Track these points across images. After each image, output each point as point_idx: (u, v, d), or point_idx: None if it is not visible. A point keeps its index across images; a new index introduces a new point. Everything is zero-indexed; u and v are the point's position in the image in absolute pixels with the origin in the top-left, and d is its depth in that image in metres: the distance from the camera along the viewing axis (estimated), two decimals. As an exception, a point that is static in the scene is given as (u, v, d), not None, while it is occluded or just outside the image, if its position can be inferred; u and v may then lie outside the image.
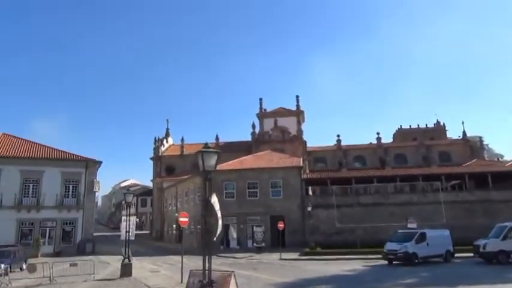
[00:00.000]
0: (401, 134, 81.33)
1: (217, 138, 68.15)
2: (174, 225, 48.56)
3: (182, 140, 69.23)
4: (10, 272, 19.52)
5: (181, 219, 17.26)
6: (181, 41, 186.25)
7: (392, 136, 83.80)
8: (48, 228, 37.06)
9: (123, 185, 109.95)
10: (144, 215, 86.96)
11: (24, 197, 36.57)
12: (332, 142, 67.21)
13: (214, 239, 9.21)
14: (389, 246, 24.16)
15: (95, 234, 42.87)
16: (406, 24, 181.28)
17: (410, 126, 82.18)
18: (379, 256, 24.92)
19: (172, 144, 72.77)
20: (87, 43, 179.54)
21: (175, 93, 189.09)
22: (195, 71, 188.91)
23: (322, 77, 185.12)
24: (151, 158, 68.06)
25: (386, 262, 23.91)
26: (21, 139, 41.22)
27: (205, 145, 10.31)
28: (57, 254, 34.51)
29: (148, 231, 70.73)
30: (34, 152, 38.75)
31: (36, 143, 40.76)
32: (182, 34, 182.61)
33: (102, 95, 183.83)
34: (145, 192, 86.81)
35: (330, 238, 36.25)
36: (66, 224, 37.86)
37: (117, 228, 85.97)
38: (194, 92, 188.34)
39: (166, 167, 67.09)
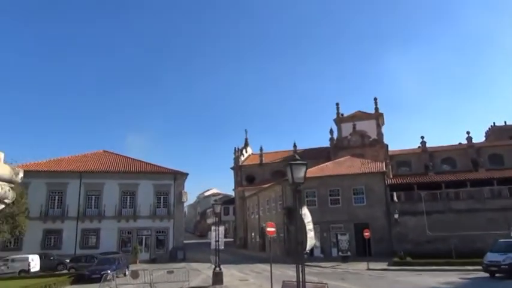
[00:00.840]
0: (495, 131, 74.00)
1: (295, 145, 68.35)
2: (258, 233, 49.58)
3: (261, 149, 70.61)
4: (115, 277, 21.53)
5: (268, 229, 17.69)
6: (261, 52, 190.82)
7: (484, 135, 76.70)
8: (144, 237, 40.22)
9: (206, 194, 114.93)
10: (227, 222, 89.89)
11: (123, 208, 40.13)
12: (415, 144, 63.62)
13: (306, 251, 9.31)
14: (491, 257, 22.11)
15: (183, 241, 45.44)
16: (489, 5, 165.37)
17: (505, 122, 74.49)
18: (479, 268, 22.94)
19: (252, 154, 74.53)
20: (173, 63, 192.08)
21: (254, 104, 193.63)
22: (271, 81, 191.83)
23: (399, 76, 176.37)
24: (232, 168, 70.39)
25: (487, 275, 21.93)
26: (119, 155, 45.40)
27: (293, 157, 10.53)
28: (152, 260, 37.22)
29: (231, 239, 73.00)
30: (130, 166, 42.46)
31: (132, 158, 44.63)
32: (259, 44, 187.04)
33: (186, 111, 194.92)
34: (228, 200, 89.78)
35: (420, 247, 34.27)
36: (159, 232, 40.72)
37: (204, 235, 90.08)
38: (271, 100, 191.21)
39: (246, 176, 68.85)
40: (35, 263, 29.46)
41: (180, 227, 41.92)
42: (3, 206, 4.53)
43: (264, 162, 67.85)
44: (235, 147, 71.14)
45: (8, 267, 28.89)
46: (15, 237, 33.55)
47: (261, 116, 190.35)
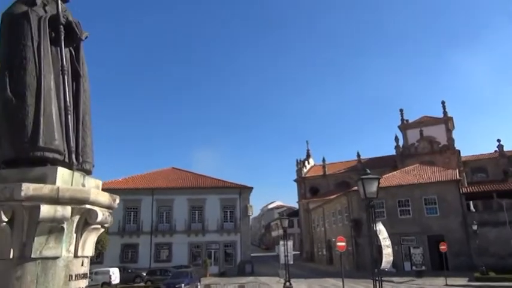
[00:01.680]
0: None
1: (358, 155, 66.74)
2: (324, 246, 48.79)
3: (323, 160, 69.85)
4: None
5: (338, 243, 17.49)
6: (321, 62, 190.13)
7: None
8: (212, 250, 41.39)
9: (270, 207, 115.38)
10: (292, 235, 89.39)
11: (192, 222, 41.73)
12: (491, 149, 59.22)
13: (386, 268, 9.12)
14: None
15: (251, 255, 45.98)
16: None
17: None
18: None
19: (314, 165, 73.92)
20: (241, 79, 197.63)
21: (314, 114, 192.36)
22: (333, 91, 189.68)
23: (469, 76, 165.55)
24: (295, 180, 70.27)
25: None
26: (186, 172, 47.48)
27: (364, 171, 10.45)
28: (221, 274, 38.12)
29: (297, 252, 72.39)
30: (197, 182, 44.17)
31: (198, 174, 46.43)
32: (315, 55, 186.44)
33: (249, 125, 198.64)
34: (292, 213, 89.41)
35: (503, 261, 31.61)
36: (227, 246, 41.67)
37: (269, 248, 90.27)
38: (332, 110, 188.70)
39: (310, 187, 68.31)
40: (115, 275, 31.55)
41: (246, 240, 42.58)
42: (102, 230, 5.07)
43: (327, 173, 66.95)
44: (297, 159, 71.12)
45: (91, 280, 31.26)
46: (97, 252, 36.24)
47: (322, 126, 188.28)
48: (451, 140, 56.83)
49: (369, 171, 10.34)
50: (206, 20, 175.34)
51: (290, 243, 22.87)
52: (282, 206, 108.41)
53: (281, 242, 22.94)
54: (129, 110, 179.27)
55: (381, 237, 9.37)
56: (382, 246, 9.32)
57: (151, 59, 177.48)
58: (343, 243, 17.86)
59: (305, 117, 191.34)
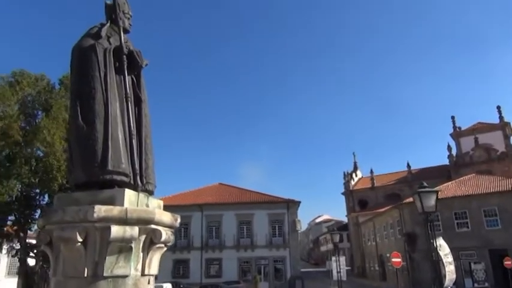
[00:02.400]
0: None
1: (408, 165, 64.29)
2: (376, 262, 47.08)
3: (371, 172, 67.98)
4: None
5: (393, 259, 16.83)
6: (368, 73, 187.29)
7: None
8: (262, 266, 41.21)
9: (317, 220, 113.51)
10: (341, 250, 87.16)
11: (241, 237, 41.89)
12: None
13: (449, 286, 8.63)
14: None
15: (300, 270, 45.26)
16: None
17: None
18: None
19: (362, 177, 72.11)
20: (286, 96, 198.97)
21: (361, 126, 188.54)
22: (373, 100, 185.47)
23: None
24: (342, 193, 68.84)
25: None
26: (233, 187, 47.99)
27: (421, 184, 10.10)
28: (272, 290, 37.78)
29: (348, 267, 70.32)
30: (244, 197, 44.46)
31: (245, 189, 46.75)
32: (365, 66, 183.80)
33: (294, 137, 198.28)
34: (341, 227, 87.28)
35: None
36: (277, 261, 41.34)
37: (318, 264, 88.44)
38: (378, 119, 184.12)
39: (358, 200, 66.58)
40: (168, 290, 32.23)
41: (296, 255, 42.04)
42: (165, 248, 5.23)
43: (375, 185, 64.98)
44: (344, 172, 69.78)
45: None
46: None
47: (369, 137, 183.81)
48: (509, 147, 53.35)
49: (425, 183, 9.97)
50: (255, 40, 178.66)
51: (342, 258, 22.32)
52: (329, 220, 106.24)
53: (333, 258, 22.43)
54: (174, 128, 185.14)
55: (442, 253, 8.87)
56: (444, 263, 8.79)
57: (196, 78, 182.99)
58: (399, 259, 17.15)
59: (351, 129, 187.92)
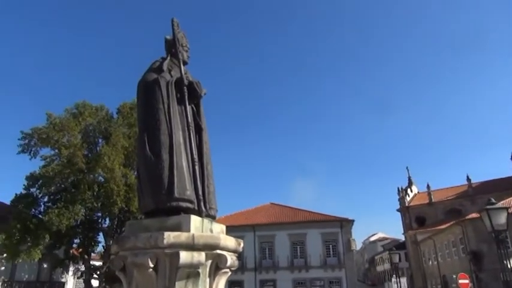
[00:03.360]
0: None
1: (468, 179, 60.57)
2: (439, 283, 44.30)
3: (428, 186, 64.76)
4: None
5: (461, 281, 15.77)
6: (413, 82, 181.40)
7: None
8: (317, 287, 40.13)
9: (372, 239, 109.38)
10: (399, 270, 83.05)
11: (294, 258, 41.26)
12: None
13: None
14: None
15: (357, 291, 43.60)
16: None
17: None
18: None
19: (418, 193, 68.89)
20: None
21: (415, 138, 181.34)
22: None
23: None
24: (398, 210, 66.04)
25: None
26: (285, 206, 47.70)
27: (489, 201, 9.53)
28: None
29: (408, 288, 66.74)
30: (296, 216, 43.98)
31: (297, 209, 46.28)
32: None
33: (342, 151, 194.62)
34: (397, 245, 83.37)
35: None
36: (332, 283, 40.09)
37: (375, 285, 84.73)
38: (433, 130, 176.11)
39: (415, 217, 63.42)
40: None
41: (352, 276, 40.58)
42: (230, 273, 5.30)
43: (433, 200, 61.71)
44: (398, 187, 66.95)
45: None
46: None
47: (422, 150, 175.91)
48: None
49: (493, 199, 9.40)
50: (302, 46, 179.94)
51: (404, 280, 21.31)
52: (385, 238, 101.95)
53: (392, 279, 21.40)
54: (221, 147, 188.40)
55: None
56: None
57: (237, 92, 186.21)
58: (467, 281, 16.04)
59: (403, 141, 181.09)
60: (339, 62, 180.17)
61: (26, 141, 29.99)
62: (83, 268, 33.42)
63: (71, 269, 35.43)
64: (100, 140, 32.96)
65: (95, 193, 29.41)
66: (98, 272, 32.18)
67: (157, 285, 4.35)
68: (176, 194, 4.71)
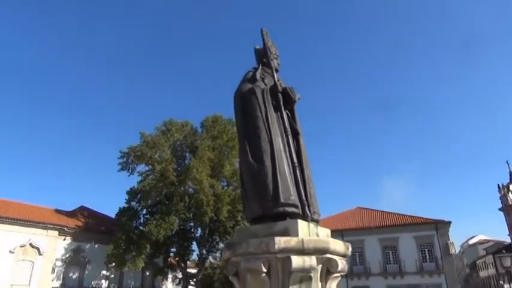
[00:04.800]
0: None
1: None
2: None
3: (536, 181, 57.78)
4: None
5: None
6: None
7: None
8: (415, 294, 37.71)
9: (471, 242, 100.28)
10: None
11: (387, 264, 39.31)
12: None
13: None
14: None
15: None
16: None
17: None
18: None
19: (524, 189, 61.72)
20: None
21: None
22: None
23: None
24: (500, 209, 59.80)
25: None
26: (373, 210, 45.81)
27: None
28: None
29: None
30: (386, 220, 41.95)
31: (386, 211, 44.15)
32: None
33: (433, 146, 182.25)
34: (503, 248, 75.34)
35: None
36: (431, 290, 37.41)
37: (482, 292, 77.21)
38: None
39: (523, 216, 56.90)
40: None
41: (454, 283, 37.35)
42: (340, 278, 5.16)
43: (544, 197, 54.85)
44: (498, 184, 60.70)
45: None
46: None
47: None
48: None
49: None
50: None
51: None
52: (486, 241, 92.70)
53: (505, 286, 19.32)
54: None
55: None
56: None
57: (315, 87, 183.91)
58: None
59: (502, 134, 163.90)
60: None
61: (124, 159, 32.83)
62: (180, 275, 35.38)
63: (170, 276, 37.70)
64: (187, 154, 34.85)
65: (187, 204, 31.07)
66: (195, 279, 33.81)
67: (271, 289, 4.41)
68: (282, 200, 4.76)
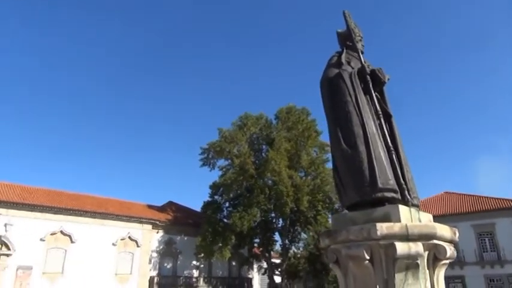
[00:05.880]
0: None
1: None
2: None
3: None
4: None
5: None
6: None
7: None
8: (518, 284, 34.44)
9: None
10: None
11: (484, 252, 36.35)
12: None
13: None
14: None
15: None
16: None
17: None
18: None
19: None
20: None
21: None
22: None
23: None
24: None
25: None
26: (462, 194, 42.59)
27: None
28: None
29: None
30: (479, 204, 38.73)
31: (479, 196, 40.76)
32: None
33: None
34: None
35: None
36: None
37: None
38: None
39: None
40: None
41: None
42: (446, 266, 4.84)
43: None
44: None
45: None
46: None
47: None
48: None
49: None
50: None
51: None
52: None
53: None
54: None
55: None
56: None
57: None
58: None
59: None
60: None
61: (205, 155, 34.32)
62: (265, 265, 36.22)
63: (255, 266, 38.77)
64: (264, 146, 35.37)
65: (267, 196, 31.59)
66: (279, 269, 34.38)
67: (375, 277, 4.29)
68: (380, 185, 4.60)
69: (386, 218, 4.44)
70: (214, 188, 33.34)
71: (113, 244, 31.32)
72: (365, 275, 4.35)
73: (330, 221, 33.91)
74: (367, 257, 4.23)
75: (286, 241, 34.42)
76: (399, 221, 4.36)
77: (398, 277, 4.20)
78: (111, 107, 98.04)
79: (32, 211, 28.39)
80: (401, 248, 4.12)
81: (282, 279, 34.09)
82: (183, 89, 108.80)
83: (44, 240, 28.36)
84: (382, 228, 4.20)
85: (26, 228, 27.52)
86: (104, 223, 31.23)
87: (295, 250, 38.15)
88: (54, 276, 28.21)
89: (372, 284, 4.29)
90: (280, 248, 36.01)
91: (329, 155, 34.77)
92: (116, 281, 30.73)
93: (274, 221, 34.57)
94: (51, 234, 28.81)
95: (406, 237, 4.22)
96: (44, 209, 28.90)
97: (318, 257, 30.68)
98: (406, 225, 4.26)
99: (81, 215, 30.30)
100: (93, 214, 30.79)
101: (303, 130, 33.83)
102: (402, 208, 4.50)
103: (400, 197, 4.72)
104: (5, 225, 26.58)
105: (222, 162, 34.53)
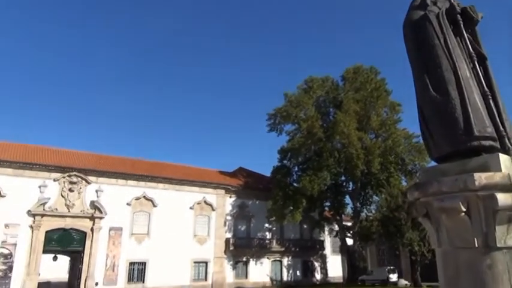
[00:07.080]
0: None
1: None
2: None
3: None
4: None
5: None
6: None
7: None
8: None
9: None
10: None
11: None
12: None
13: None
14: None
15: None
16: None
17: None
18: None
19: None
20: None
21: None
22: None
23: None
24: None
25: None
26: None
27: None
28: None
29: None
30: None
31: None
32: None
33: None
34: None
35: None
36: None
37: None
38: None
39: None
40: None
41: None
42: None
43: None
44: None
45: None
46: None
47: None
48: None
49: None
50: None
51: None
52: None
53: None
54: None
55: None
56: None
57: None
58: None
59: None
60: None
61: (272, 121, 34.43)
62: (336, 228, 36.23)
63: (326, 229, 39.01)
64: (331, 109, 34.54)
65: (337, 159, 31.14)
66: (351, 232, 34.21)
67: (473, 229, 4.01)
68: (476, 133, 4.20)
69: (484, 168, 4.06)
70: (283, 152, 33.56)
71: (190, 208, 33.27)
72: (460, 228, 4.08)
73: (403, 182, 32.73)
74: (464, 209, 3.95)
75: (358, 204, 33.97)
76: (500, 170, 3.99)
77: (500, 230, 3.88)
78: (178, 78, 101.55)
79: (117, 178, 30.95)
80: (503, 198, 3.78)
81: (354, 241, 33.98)
82: (251, 55, 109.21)
83: (130, 205, 30.97)
84: (481, 178, 3.87)
85: (114, 194, 30.16)
86: (181, 188, 33.17)
87: (367, 213, 37.68)
88: (141, 237, 30.87)
89: (469, 237, 4.02)
90: (351, 211, 35.71)
91: (401, 115, 33.02)
92: (195, 242, 32.84)
93: (344, 184, 34.19)
94: (136, 199, 31.32)
95: (509, 188, 3.87)
96: (127, 176, 31.35)
97: (391, 219, 30.01)
98: (508, 174, 3.89)
99: (160, 182, 32.45)
100: (171, 180, 32.78)
101: (372, 90, 32.41)
102: (503, 157, 4.10)
103: (499, 146, 4.31)
104: (96, 191, 29.35)
105: (289, 127, 34.52)
